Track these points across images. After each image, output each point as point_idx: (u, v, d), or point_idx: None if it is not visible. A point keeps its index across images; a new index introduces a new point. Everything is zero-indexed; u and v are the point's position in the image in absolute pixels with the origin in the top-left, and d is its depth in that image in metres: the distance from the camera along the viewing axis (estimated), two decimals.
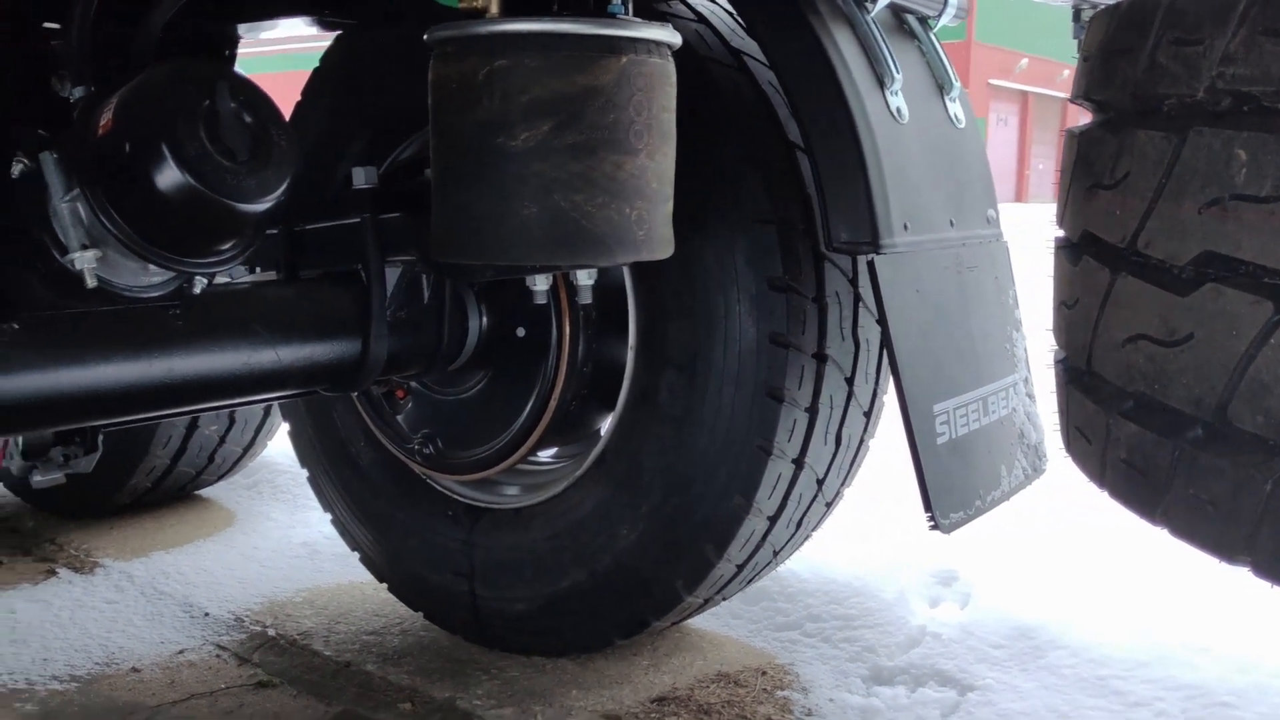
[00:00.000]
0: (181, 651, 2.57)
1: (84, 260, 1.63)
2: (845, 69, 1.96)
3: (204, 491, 3.77)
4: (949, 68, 2.22)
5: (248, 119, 1.66)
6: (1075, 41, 1.85)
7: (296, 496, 3.66)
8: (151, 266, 1.71)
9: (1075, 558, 2.96)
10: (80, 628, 2.69)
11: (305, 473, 2.87)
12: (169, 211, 1.62)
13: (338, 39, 2.67)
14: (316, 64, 2.70)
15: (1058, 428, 1.45)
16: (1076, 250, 1.12)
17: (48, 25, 2.08)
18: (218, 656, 2.55)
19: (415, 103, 2.44)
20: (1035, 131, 47.03)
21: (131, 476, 3.32)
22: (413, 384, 2.53)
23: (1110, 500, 1.12)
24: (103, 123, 1.59)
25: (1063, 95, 48.43)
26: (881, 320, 1.92)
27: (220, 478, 3.65)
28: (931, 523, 1.93)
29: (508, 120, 1.72)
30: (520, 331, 2.36)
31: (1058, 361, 1.17)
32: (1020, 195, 40.57)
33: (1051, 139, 48.87)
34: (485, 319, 2.37)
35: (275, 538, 3.34)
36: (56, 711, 2.29)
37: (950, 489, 1.98)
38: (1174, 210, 0.92)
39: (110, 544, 3.28)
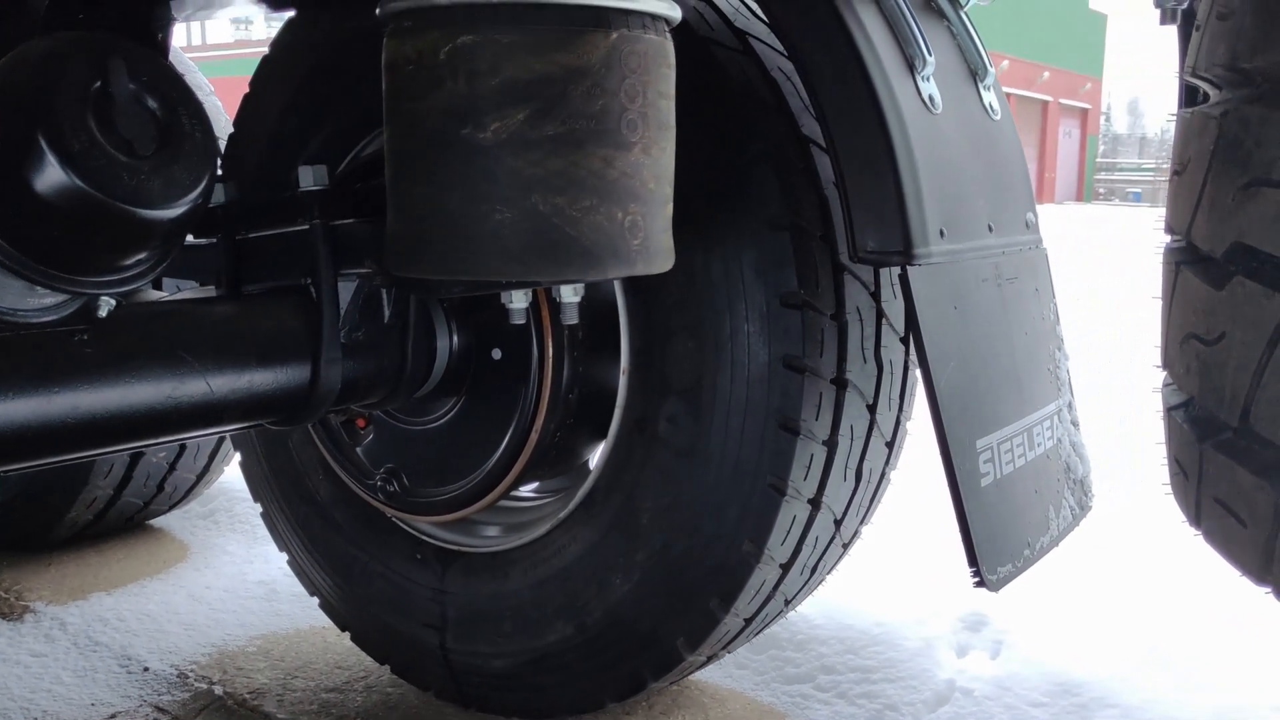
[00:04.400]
0: (114, 716, 2.27)
1: None
2: (871, 50, 1.68)
3: (156, 521, 3.46)
4: (983, 52, 1.94)
5: (152, 104, 1.36)
6: (1159, 10, 1.58)
7: (256, 526, 3.35)
8: (39, 288, 1.41)
9: (1118, 597, 2.68)
10: (0, 685, 2.38)
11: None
12: (53, 220, 1.32)
13: (290, 22, 2.37)
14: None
15: (1169, 486, 1.17)
16: (1221, 268, 0.85)
17: None
18: None
19: (380, 92, 2.17)
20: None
21: (70, 509, 3.01)
22: (375, 412, 2.23)
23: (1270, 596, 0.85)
24: None
25: (1044, 97, 48.66)
26: (918, 343, 1.64)
27: (173, 507, 3.34)
28: (977, 579, 1.66)
29: (475, 107, 1.44)
30: (496, 353, 2.07)
31: (1177, 406, 0.90)
32: None
33: (1033, 141, 48.98)
34: (455, 339, 2.08)
35: (230, 575, 3.04)
36: None
37: (997, 538, 1.70)
38: None
39: (45, 584, 2.97)
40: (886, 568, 2.81)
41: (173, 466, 3.10)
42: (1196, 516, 0.98)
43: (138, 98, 1.35)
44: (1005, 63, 42.43)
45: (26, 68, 1.31)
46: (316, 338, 1.83)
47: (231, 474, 3.41)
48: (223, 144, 2.52)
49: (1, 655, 2.54)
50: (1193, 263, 0.94)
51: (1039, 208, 2.09)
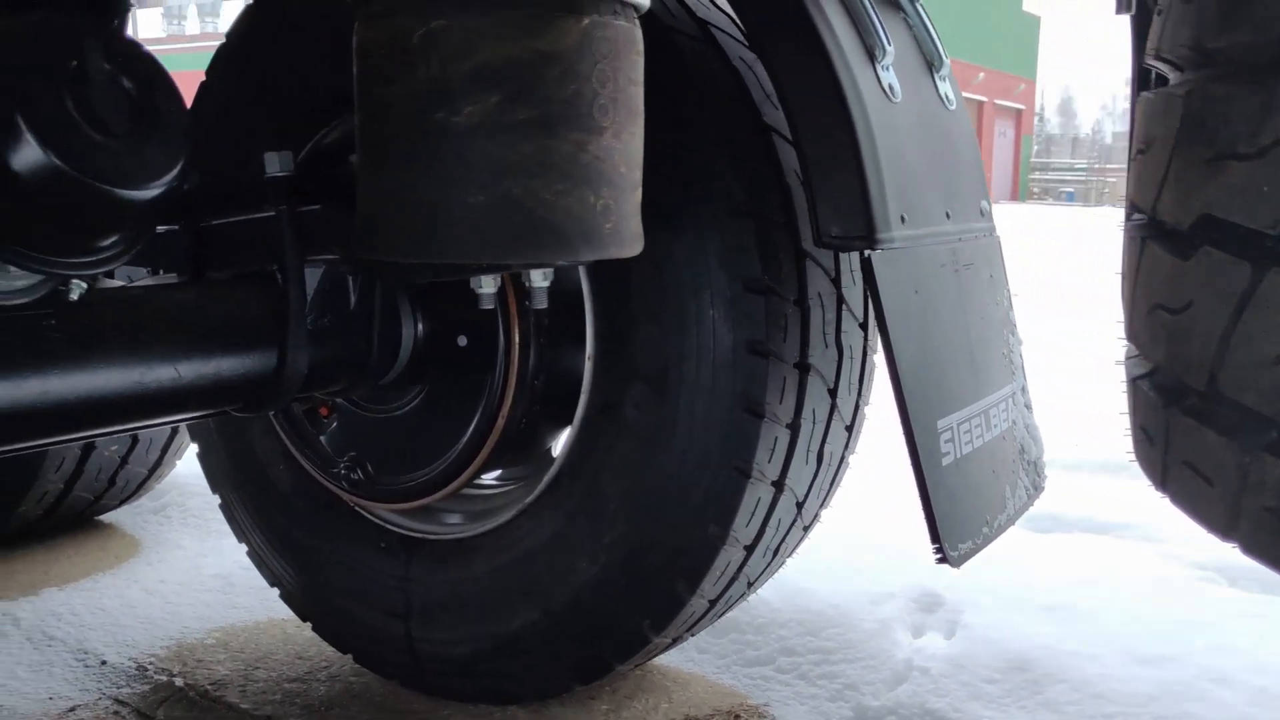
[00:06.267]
0: (74, 709, 2.24)
1: None
2: (834, 40, 1.72)
3: (106, 516, 3.42)
4: (938, 42, 1.99)
5: (127, 85, 1.36)
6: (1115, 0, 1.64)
7: (209, 521, 3.32)
8: (13, 268, 1.40)
9: (1068, 575, 2.76)
10: None
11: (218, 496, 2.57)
12: (27, 199, 1.31)
13: (247, 8, 2.36)
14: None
15: (1134, 454, 1.22)
16: (1188, 240, 0.90)
17: None
18: (116, 713, 2.23)
19: (341, 79, 2.17)
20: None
21: (20, 504, 2.96)
22: (338, 400, 2.23)
23: (1246, 558, 0.89)
24: None
25: (979, 98, 49.57)
26: (881, 326, 1.68)
27: (123, 502, 3.30)
28: (939, 555, 1.70)
29: (449, 91, 1.45)
30: (462, 340, 2.08)
31: (1143, 375, 0.94)
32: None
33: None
34: (421, 326, 2.09)
35: (184, 569, 3.01)
36: None
37: (958, 516, 1.75)
38: None
39: None
40: (841, 551, 2.86)
41: (124, 460, 3.07)
42: (1163, 479, 1.03)
43: (113, 77, 1.35)
44: (981, 75, 43.21)
45: (3, 47, 1.31)
46: (283, 324, 1.83)
47: (183, 468, 3.39)
48: None
49: None
50: (1159, 236, 0.98)
51: None
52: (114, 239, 1.47)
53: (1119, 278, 1.14)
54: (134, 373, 1.62)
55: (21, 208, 1.34)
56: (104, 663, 2.45)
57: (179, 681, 2.36)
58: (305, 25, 2.25)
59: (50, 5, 1.84)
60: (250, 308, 1.83)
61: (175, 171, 1.41)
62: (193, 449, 2.88)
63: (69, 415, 1.57)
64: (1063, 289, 10.82)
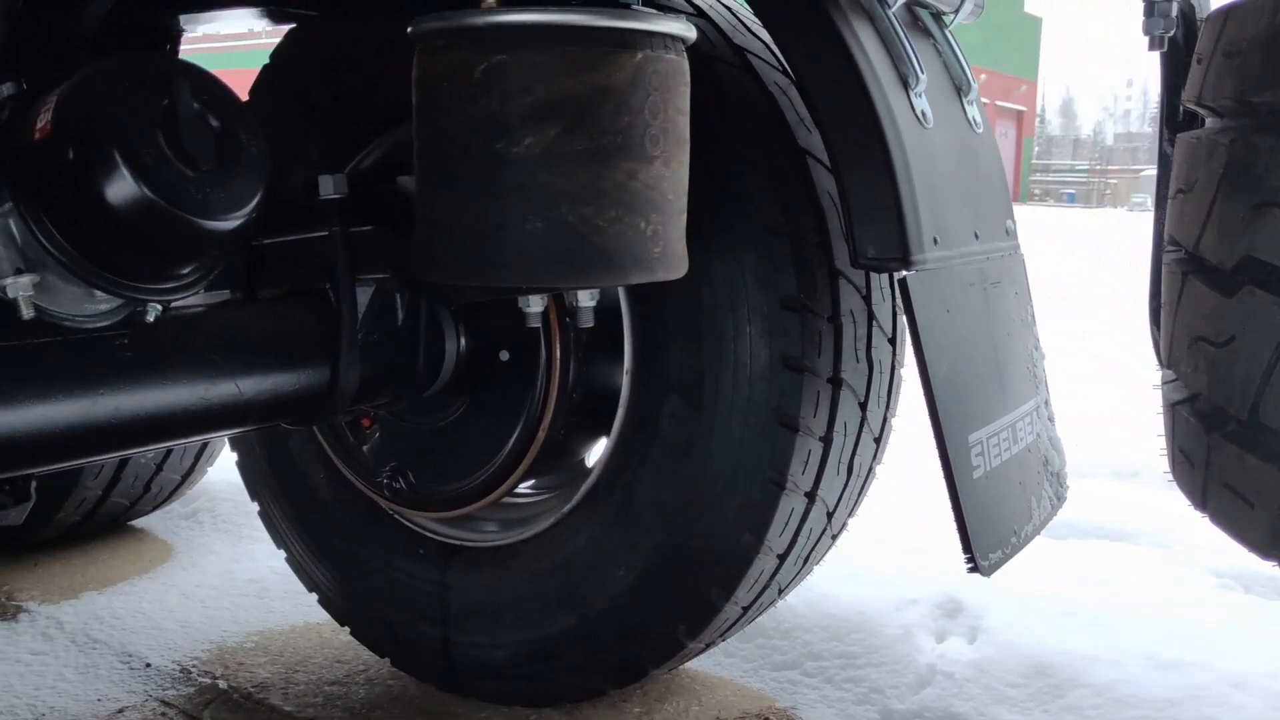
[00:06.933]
0: (122, 710, 2.31)
1: (18, 287, 1.39)
2: (870, 67, 1.79)
3: (137, 521, 3.48)
4: (966, 68, 2.06)
5: (213, 122, 1.43)
6: (1148, 37, 1.70)
7: (240, 527, 3.40)
8: (99, 293, 1.47)
9: (1085, 581, 2.82)
10: (3, 684, 2.41)
11: (250, 500, 2.63)
12: (120, 229, 1.39)
13: (291, 32, 2.43)
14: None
15: (1171, 475, 1.29)
16: (1231, 279, 0.96)
17: None
18: (163, 715, 2.29)
19: (381, 103, 2.24)
20: None
21: (59, 510, 3.03)
22: (380, 411, 2.30)
23: (1261, 565, 0.96)
24: (40, 125, 1.36)
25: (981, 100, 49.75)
26: (915, 344, 1.75)
27: (156, 507, 3.37)
28: (970, 565, 1.77)
29: (508, 123, 1.52)
30: (504, 355, 2.15)
31: (1182, 401, 1.01)
32: None
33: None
34: (464, 341, 2.15)
35: (219, 574, 3.08)
36: None
37: (988, 527, 1.81)
38: None
39: (35, 584, 2.99)
40: (863, 556, 2.92)
41: (160, 467, 3.13)
42: (1203, 500, 1.10)
43: (200, 115, 1.42)
44: (983, 76, 43.37)
45: (100, 87, 1.38)
46: (336, 341, 1.90)
47: (214, 474, 3.45)
48: None
49: (0, 654, 2.57)
50: (1200, 273, 1.05)
51: None
52: (194, 266, 1.55)
53: (1146, 296, 1.21)
54: (198, 389, 1.69)
55: (113, 237, 1.41)
56: (148, 665, 2.52)
57: (222, 684, 2.42)
58: (345, 50, 2.31)
59: (110, 44, 1.92)
60: (305, 325, 1.89)
61: (255, 202, 1.48)
62: (224, 456, 2.96)
63: (138, 430, 1.64)
64: (1063, 291, 10.88)
